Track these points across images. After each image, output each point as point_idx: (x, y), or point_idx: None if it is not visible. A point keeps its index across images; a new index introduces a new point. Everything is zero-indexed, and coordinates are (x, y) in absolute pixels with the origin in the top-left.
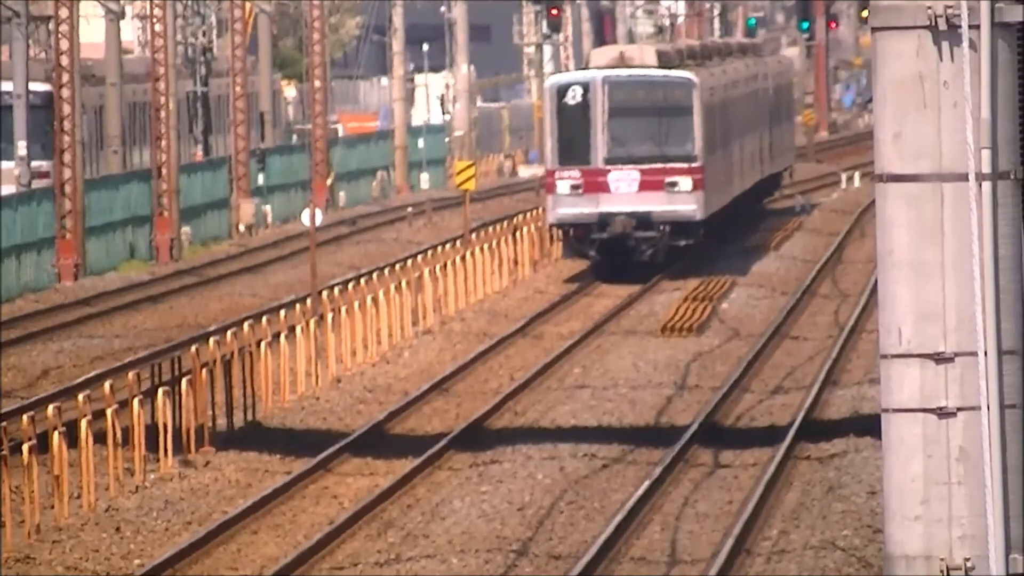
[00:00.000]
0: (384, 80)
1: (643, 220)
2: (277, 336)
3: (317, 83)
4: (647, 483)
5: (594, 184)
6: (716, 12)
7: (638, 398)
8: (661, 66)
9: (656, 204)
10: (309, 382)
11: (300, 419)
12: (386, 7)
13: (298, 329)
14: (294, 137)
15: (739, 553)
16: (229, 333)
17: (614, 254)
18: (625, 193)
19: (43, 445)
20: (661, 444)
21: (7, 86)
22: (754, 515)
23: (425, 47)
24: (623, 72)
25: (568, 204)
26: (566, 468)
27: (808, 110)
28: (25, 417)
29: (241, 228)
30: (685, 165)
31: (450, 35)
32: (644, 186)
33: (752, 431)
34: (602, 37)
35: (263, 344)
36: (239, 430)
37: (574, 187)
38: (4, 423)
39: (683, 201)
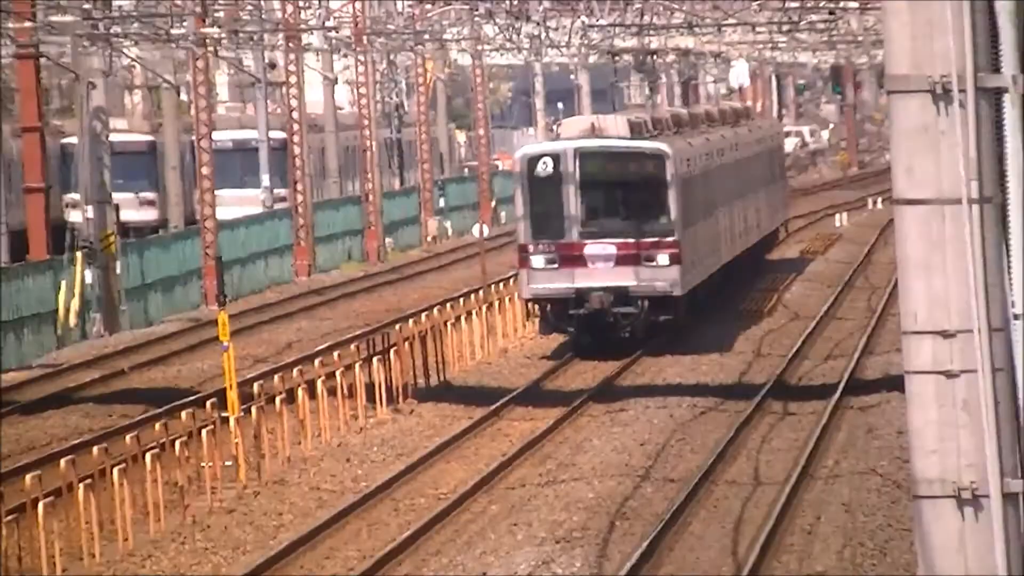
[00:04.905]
0: (531, 129)
1: (620, 295)
2: (459, 318)
3: (481, 131)
4: (735, 425)
5: (569, 259)
6: (773, 79)
7: (726, 363)
8: (633, 136)
9: (633, 279)
10: (483, 352)
11: (478, 379)
12: (530, 76)
13: (474, 313)
14: (465, 171)
15: (804, 477)
16: (423, 316)
17: (593, 330)
18: (601, 268)
19: (291, 397)
20: (744, 397)
21: (253, 134)
22: (814, 449)
23: (560, 105)
24: (594, 143)
25: (543, 279)
26: (675, 415)
27: (843, 152)
28: (276, 377)
29: (429, 238)
30: (662, 239)
31: (577, 96)
32: (620, 261)
33: (811, 387)
34: (688, 97)
35: (448, 324)
36: (434, 387)
37: (549, 261)
38: (261, 382)
39: (661, 276)
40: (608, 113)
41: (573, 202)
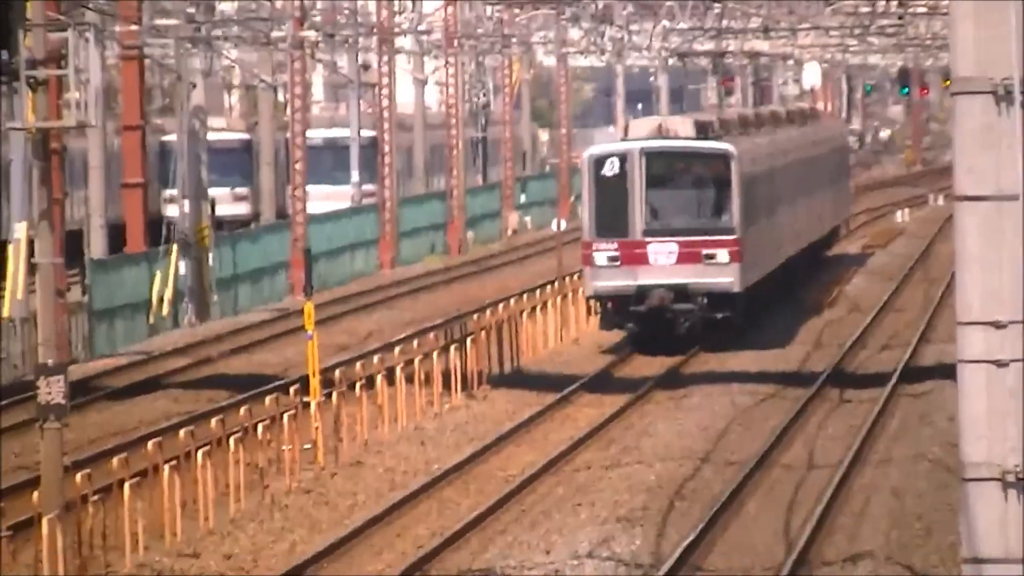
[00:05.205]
0: (611, 128)
1: (681, 292)
2: (534, 308)
3: (563, 130)
4: (793, 412)
5: (632, 256)
6: (844, 81)
7: (787, 353)
8: (699, 137)
9: (693, 276)
10: (556, 341)
11: (550, 367)
12: (612, 77)
13: (548, 304)
14: (547, 168)
15: (857, 462)
16: (500, 306)
17: (652, 326)
18: (663, 265)
19: (370, 384)
20: (803, 385)
21: (344, 132)
22: (868, 435)
23: (639, 105)
24: (661, 143)
25: (606, 276)
26: (736, 401)
27: (908, 150)
28: (357, 364)
29: (509, 232)
30: (723, 237)
31: (655, 97)
32: (682, 258)
33: (867, 376)
34: (761, 99)
35: (524, 314)
36: (507, 374)
37: (612, 259)
38: (343, 369)
39: (721, 273)
40: (683, 113)
41: (637, 201)
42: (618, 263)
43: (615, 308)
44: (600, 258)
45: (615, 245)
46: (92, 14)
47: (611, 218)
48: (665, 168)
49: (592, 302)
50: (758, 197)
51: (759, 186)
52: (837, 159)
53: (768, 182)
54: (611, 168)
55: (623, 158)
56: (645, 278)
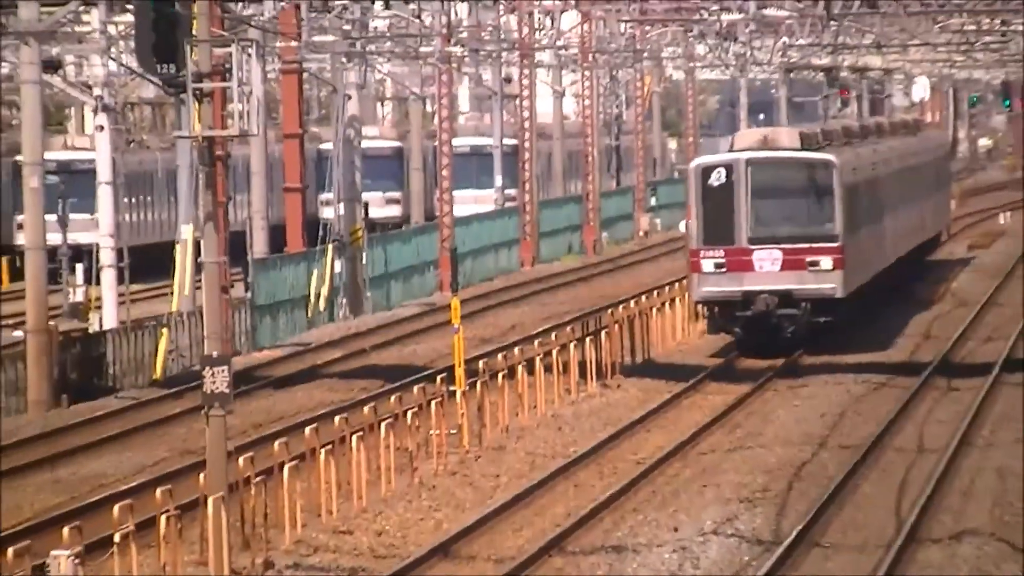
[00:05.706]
0: None
1: (785, 298)
2: (663, 304)
3: (690, 139)
4: (904, 400)
5: (738, 263)
6: (951, 94)
7: (899, 345)
8: (803, 148)
9: (798, 282)
10: (684, 333)
11: (678, 357)
12: (736, 89)
13: (676, 299)
14: (675, 174)
15: (963, 445)
16: (632, 301)
17: (758, 331)
18: (768, 272)
19: (511, 373)
20: (912, 374)
21: (488, 140)
22: (973, 420)
23: (761, 115)
24: (765, 154)
25: (712, 283)
26: (850, 390)
27: (1009, 157)
28: (500, 355)
29: (641, 233)
30: (826, 245)
31: (776, 108)
32: (786, 265)
33: (972, 366)
34: (875, 110)
35: (655, 309)
36: (638, 364)
37: (718, 266)
38: (486, 360)
39: (824, 280)
40: (805, 123)
41: (743, 210)
42: (724, 270)
43: (721, 313)
44: (707, 265)
45: (721, 252)
46: (254, 31)
47: (717, 226)
48: (769, 178)
49: (699, 308)
50: (860, 205)
51: (861, 194)
52: (937, 168)
53: (870, 191)
54: (718, 178)
55: (729, 168)
56: (750, 284)
